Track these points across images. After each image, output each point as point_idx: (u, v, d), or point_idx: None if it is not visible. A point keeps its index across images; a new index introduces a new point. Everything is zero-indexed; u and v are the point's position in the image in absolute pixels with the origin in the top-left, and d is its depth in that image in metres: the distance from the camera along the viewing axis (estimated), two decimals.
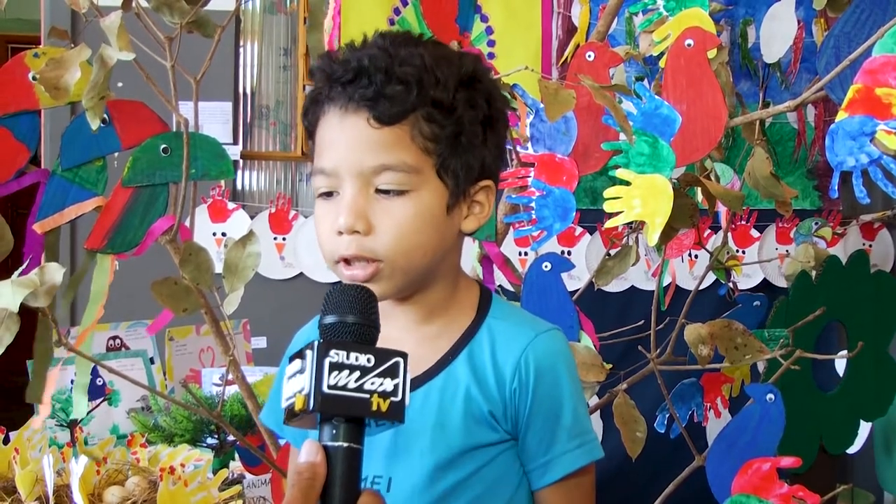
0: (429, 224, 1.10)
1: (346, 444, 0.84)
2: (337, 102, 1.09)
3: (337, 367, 0.83)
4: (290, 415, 0.86)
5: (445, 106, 1.09)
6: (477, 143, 1.13)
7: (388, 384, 0.84)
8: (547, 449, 1.14)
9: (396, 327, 1.16)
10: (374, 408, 0.83)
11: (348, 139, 1.08)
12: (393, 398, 0.84)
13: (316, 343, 0.84)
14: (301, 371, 0.85)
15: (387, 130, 1.07)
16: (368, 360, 0.84)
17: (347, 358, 0.84)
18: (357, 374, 0.84)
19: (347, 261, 1.10)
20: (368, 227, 1.08)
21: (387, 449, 1.14)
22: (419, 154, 1.09)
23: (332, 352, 0.83)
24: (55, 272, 1.58)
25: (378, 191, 1.08)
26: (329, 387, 0.83)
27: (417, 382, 1.14)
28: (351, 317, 0.88)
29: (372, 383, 0.84)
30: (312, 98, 1.14)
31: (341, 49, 1.13)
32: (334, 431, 0.84)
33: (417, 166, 1.09)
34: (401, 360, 0.86)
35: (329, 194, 1.11)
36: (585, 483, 1.18)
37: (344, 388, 0.83)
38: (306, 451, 0.84)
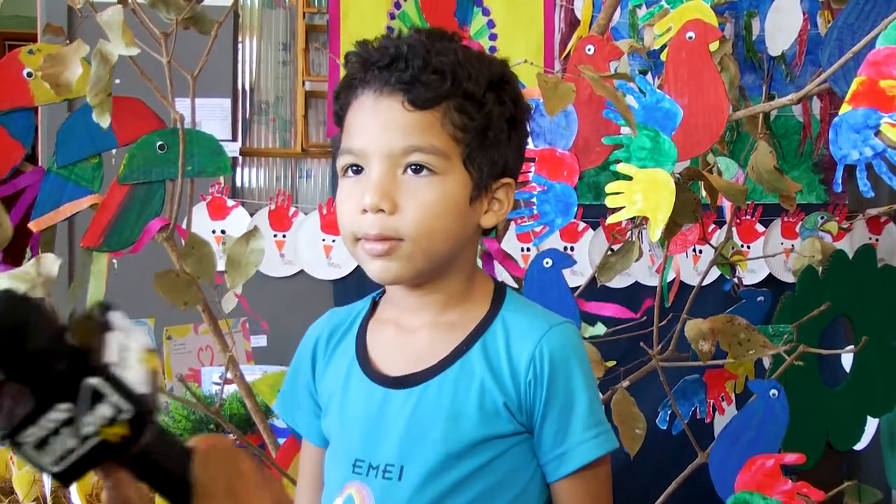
0: (452, 210, 1.12)
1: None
2: (372, 86, 1.12)
3: (40, 443, 0.65)
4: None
5: (476, 99, 1.12)
6: (502, 139, 1.15)
7: (106, 410, 0.66)
8: (562, 440, 1.15)
9: (414, 319, 1.18)
10: (118, 440, 0.67)
11: (381, 121, 1.11)
12: (122, 416, 0.66)
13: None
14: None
15: (419, 114, 1.10)
16: (67, 409, 0.65)
17: (38, 428, 0.65)
18: (69, 429, 0.65)
19: (369, 239, 1.11)
20: (394, 206, 1.09)
21: (399, 438, 1.14)
22: (448, 141, 1.11)
23: (23, 435, 0.65)
24: (51, 264, 1.57)
25: (406, 170, 1.10)
26: (55, 463, 0.66)
27: (432, 373, 1.15)
28: None
29: (90, 423, 0.66)
30: (346, 82, 1.16)
31: (377, 38, 1.16)
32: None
33: (446, 152, 1.11)
34: (96, 380, 0.66)
35: (356, 171, 1.13)
36: (602, 474, 1.18)
37: (70, 452, 0.66)
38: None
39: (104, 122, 1.52)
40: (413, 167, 1.10)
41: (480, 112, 1.12)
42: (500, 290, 1.22)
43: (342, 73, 1.19)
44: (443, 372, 1.15)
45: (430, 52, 1.11)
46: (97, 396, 0.65)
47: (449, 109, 1.11)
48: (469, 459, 1.13)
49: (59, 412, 0.65)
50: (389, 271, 1.11)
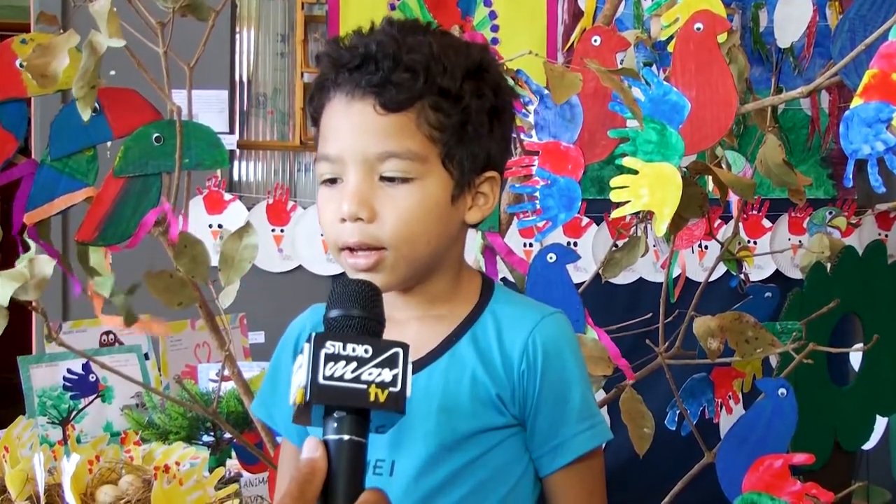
0: (433, 213, 1.10)
1: (347, 437, 0.84)
2: (343, 88, 1.09)
3: (333, 358, 0.84)
4: (296, 411, 0.86)
5: (452, 95, 1.09)
6: (483, 133, 1.12)
7: (387, 374, 0.84)
8: (557, 432, 1.14)
9: (398, 313, 1.16)
10: (372, 398, 0.83)
11: (354, 126, 1.08)
12: (392, 388, 0.84)
13: (313, 335, 0.85)
14: (301, 366, 0.86)
15: (393, 117, 1.07)
16: (366, 351, 0.84)
17: (344, 349, 0.84)
18: (354, 364, 0.84)
19: (351, 249, 1.09)
20: (372, 214, 1.07)
21: (390, 432, 1.10)
22: (425, 142, 1.08)
23: (329, 343, 0.84)
24: (45, 265, 1.55)
25: (382, 178, 1.08)
26: (325, 378, 0.83)
27: (419, 365, 1.13)
28: (355, 310, 0.89)
29: (370, 374, 0.84)
30: (318, 84, 1.13)
31: (348, 35, 1.12)
32: (335, 424, 0.84)
33: (423, 154, 1.08)
34: (400, 350, 0.86)
35: (333, 181, 1.10)
36: (596, 466, 1.17)
37: (340, 378, 0.83)
38: (307, 448, 0.84)
39: (85, 115, 1.49)
40: (387, 179, 1.08)
41: (457, 108, 1.09)
42: (487, 283, 1.21)
43: None
44: (431, 364, 1.13)
45: (401, 48, 1.07)
46: (390, 362, 0.85)
47: (423, 108, 1.08)
48: (461, 453, 1.11)
49: (362, 349, 0.84)
50: (375, 283, 1.08)
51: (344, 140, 1.08)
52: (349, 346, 0.84)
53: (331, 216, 1.09)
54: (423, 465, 1.11)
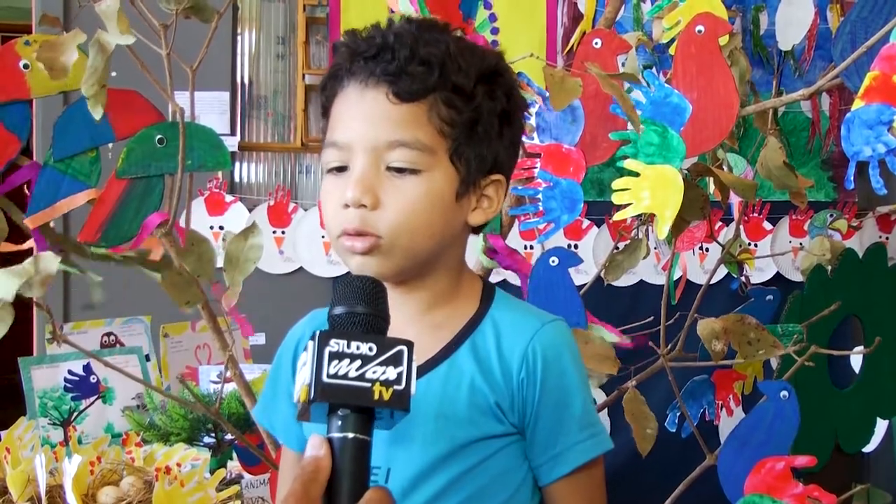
0: (437, 207, 1.09)
1: (351, 435, 0.84)
2: (357, 77, 1.09)
3: (337, 356, 0.83)
4: (301, 409, 0.86)
5: (465, 92, 1.10)
6: (493, 135, 1.13)
7: (391, 373, 0.84)
8: (556, 440, 1.13)
9: (398, 316, 1.14)
10: (376, 397, 0.83)
11: (365, 113, 1.08)
12: (396, 387, 0.84)
13: (317, 333, 0.85)
14: (305, 363, 0.86)
15: (405, 107, 1.08)
16: (370, 349, 0.84)
17: (348, 347, 0.84)
18: (358, 362, 0.84)
19: (349, 234, 1.09)
20: (376, 201, 1.07)
21: (386, 439, 1.11)
22: (434, 135, 1.08)
23: (333, 341, 0.84)
24: (50, 262, 1.54)
25: (389, 168, 1.08)
26: (329, 376, 0.83)
27: (419, 372, 1.11)
28: (360, 307, 0.89)
29: (374, 372, 0.84)
30: (332, 73, 1.14)
31: (366, 27, 1.13)
32: (340, 423, 0.84)
33: (431, 146, 1.08)
34: (405, 348, 0.86)
35: (339, 170, 1.10)
36: (596, 475, 1.16)
37: (344, 377, 0.83)
38: (311, 445, 0.84)
39: (97, 114, 1.49)
40: (394, 169, 1.08)
41: (469, 106, 1.10)
42: (488, 288, 1.20)
43: None
44: (430, 371, 1.13)
45: (418, 42, 1.08)
46: (394, 360, 0.84)
47: (436, 102, 1.08)
48: (458, 461, 1.11)
49: (366, 347, 0.84)
50: (369, 268, 1.09)
51: (354, 127, 1.09)
52: (353, 344, 0.84)
53: (335, 203, 1.09)
54: (420, 473, 1.10)
